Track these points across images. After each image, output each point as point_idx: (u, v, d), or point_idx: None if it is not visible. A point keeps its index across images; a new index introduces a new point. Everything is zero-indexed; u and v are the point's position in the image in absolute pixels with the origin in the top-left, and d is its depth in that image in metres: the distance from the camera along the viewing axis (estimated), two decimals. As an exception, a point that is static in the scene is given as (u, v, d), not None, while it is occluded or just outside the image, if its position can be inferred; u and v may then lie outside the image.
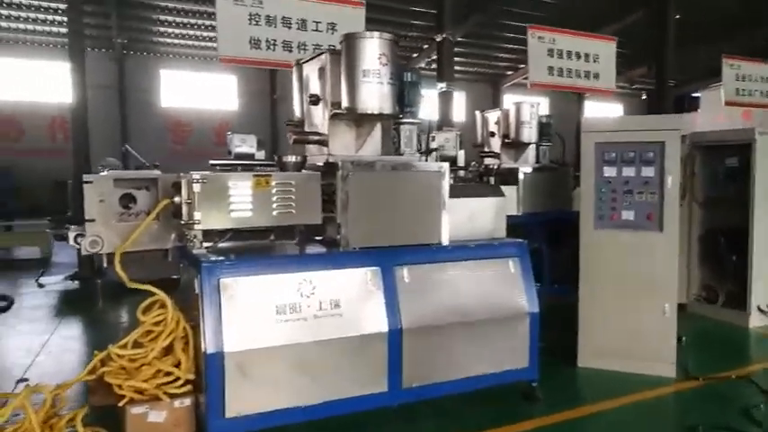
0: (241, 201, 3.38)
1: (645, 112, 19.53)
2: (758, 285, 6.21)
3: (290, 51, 6.99)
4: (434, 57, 13.02)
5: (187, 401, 3.23)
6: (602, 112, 24.11)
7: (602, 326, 4.80)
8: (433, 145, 7.63)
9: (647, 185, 4.70)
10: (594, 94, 14.76)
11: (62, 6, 13.53)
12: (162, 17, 16.51)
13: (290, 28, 8.14)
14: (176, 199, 3.38)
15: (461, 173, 7.29)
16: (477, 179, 6.89)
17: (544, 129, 7.06)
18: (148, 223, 3.52)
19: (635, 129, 4.78)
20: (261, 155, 4.03)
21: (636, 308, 4.71)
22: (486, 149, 7.29)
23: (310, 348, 3.32)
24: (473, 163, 7.27)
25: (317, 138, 3.78)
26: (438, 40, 11.37)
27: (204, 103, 19.66)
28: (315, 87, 3.89)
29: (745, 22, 16.97)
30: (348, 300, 3.45)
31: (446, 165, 3.87)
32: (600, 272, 4.79)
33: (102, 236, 3.46)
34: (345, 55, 3.59)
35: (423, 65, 19.33)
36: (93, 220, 3.43)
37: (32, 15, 15.67)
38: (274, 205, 3.47)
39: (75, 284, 8.35)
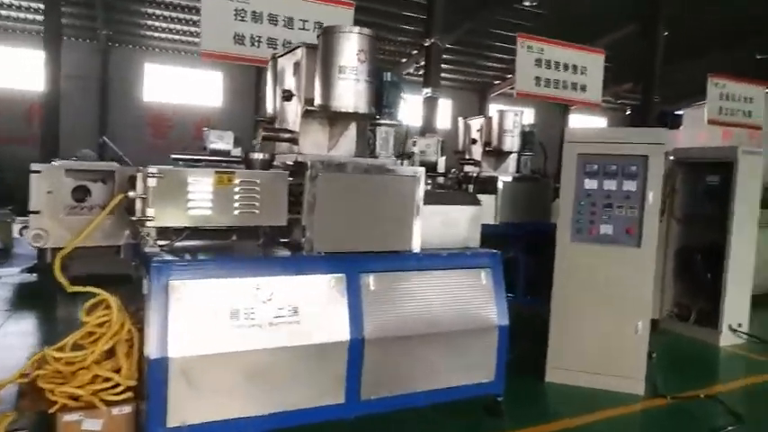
0: (200, 198, 3.19)
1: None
2: (731, 304, 6.18)
3: (275, 49, 6.83)
4: (422, 62, 12.92)
5: (127, 409, 3.02)
6: (587, 125, 24.19)
7: (572, 341, 4.68)
8: (415, 150, 7.54)
9: (628, 200, 4.60)
10: (580, 106, 14.76)
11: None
12: (149, 10, 16.20)
13: (276, 25, 7.98)
14: (131, 193, 3.18)
15: (441, 179, 7.19)
16: (456, 186, 6.77)
17: (527, 138, 6.96)
18: (101, 220, 3.33)
19: (619, 141, 4.67)
20: (238, 152, 3.86)
21: (608, 324, 4.60)
22: (466, 157, 7.17)
23: (264, 356, 3.13)
24: (453, 170, 7.16)
25: (287, 135, 3.61)
26: (426, 45, 11.26)
27: (187, 98, 19.33)
28: (289, 83, 3.72)
29: (734, 40, 17.13)
30: (308, 307, 3.27)
31: (422, 170, 3.71)
32: (573, 286, 4.68)
33: (47, 229, 3.25)
34: (322, 50, 3.42)
35: (411, 70, 19.28)
36: (37, 212, 3.22)
37: (15, 2, 15.31)
38: (236, 204, 3.29)
39: (32, 277, 8.01)
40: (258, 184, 3.32)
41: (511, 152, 6.88)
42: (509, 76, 19.71)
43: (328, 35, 3.40)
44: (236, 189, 3.27)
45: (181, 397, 2.93)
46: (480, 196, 6.48)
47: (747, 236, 6.29)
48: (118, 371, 3.07)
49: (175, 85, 19.20)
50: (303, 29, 7.16)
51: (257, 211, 3.33)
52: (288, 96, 3.57)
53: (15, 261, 8.83)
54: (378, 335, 3.44)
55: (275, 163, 3.59)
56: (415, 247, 3.70)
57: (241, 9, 7.26)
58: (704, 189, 6.62)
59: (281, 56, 3.85)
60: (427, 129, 10.71)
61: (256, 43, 7.83)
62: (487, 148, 6.95)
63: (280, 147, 3.85)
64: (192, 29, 16.79)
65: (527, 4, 14.65)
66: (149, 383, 2.90)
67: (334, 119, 3.58)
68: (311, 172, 3.30)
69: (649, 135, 4.67)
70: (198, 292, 3.03)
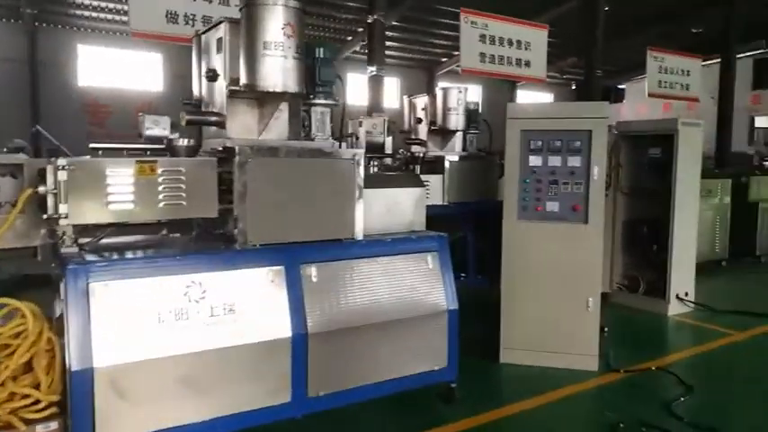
0: (120, 191, 2.94)
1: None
2: (677, 274, 6.29)
3: (212, 27, 6.45)
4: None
5: (53, 425, 2.76)
6: (534, 100, 24.44)
7: (524, 321, 4.64)
8: (360, 131, 7.34)
9: (573, 176, 4.54)
10: (526, 81, 14.83)
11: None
12: (77, -13, 15.28)
13: (211, 2, 7.60)
14: (41, 189, 2.88)
15: (388, 161, 7.02)
16: (403, 167, 6.61)
17: (472, 116, 6.84)
18: (12, 219, 3.01)
19: (562, 116, 4.60)
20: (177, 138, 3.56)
21: (559, 301, 4.57)
22: (412, 136, 7.01)
23: (200, 359, 2.92)
24: (401, 150, 6.99)
25: (214, 119, 3.35)
26: (369, 22, 10.98)
27: (126, 82, 18.41)
28: (214, 62, 3.46)
29: (675, 15, 17.49)
30: (245, 303, 3.07)
31: (361, 152, 3.53)
32: (522, 265, 4.62)
33: (-57, 231, 2.93)
34: (245, 24, 3.15)
35: (357, 48, 18.93)
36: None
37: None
38: (161, 196, 3.04)
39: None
40: (184, 173, 3.07)
41: (456, 130, 6.75)
42: (456, 53, 19.58)
43: (251, 8, 3.13)
44: (160, 179, 3.02)
45: (110, 410, 2.71)
46: (428, 176, 6.40)
47: (690, 206, 6.40)
48: (39, 386, 2.81)
49: (112, 68, 18.22)
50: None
51: (184, 203, 3.09)
52: (212, 76, 3.30)
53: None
54: (322, 328, 3.28)
55: (203, 149, 3.35)
56: (358, 233, 3.53)
57: (172, -16, 6.93)
58: (647, 162, 6.69)
59: (204, 32, 3.57)
60: (374, 108, 10.49)
61: (191, 21, 7.46)
62: (433, 127, 6.80)
63: (208, 132, 3.59)
64: (126, 7, 15.91)
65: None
66: (73, 397, 2.66)
67: (262, 99, 3.34)
68: (239, 158, 3.06)
69: (592, 109, 4.61)
70: (122, 293, 2.79)
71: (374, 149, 7.10)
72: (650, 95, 12.32)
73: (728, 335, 5.67)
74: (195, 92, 3.68)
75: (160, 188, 3.03)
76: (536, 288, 4.61)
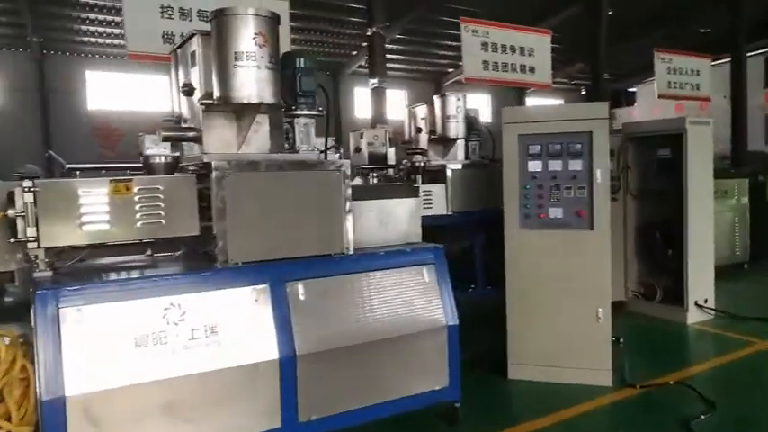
0: (93, 211, 2.82)
1: (584, 108, 19.66)
2: (695, 280, 6.00)
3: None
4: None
5: (27, 458, 2.64)
6: (544, 108, 24.24)
7: (532, 334, 4.41)
8: (362, 143, 7.23)
9: (575, 180, 4.34)
10: (531, 88, 14.66)
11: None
12: (82, 14, 15.40)
13: (207, 21, 7.56)
14: (10, 212, 2.77)
15: (390, 171, 6.89)
16: (404, 178, 6.47)
17: (472, 123, 6.69)
18: (-16, 243, 2.91)
19: (560, 119, 4.42)
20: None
21: (568, 313, 4.34)
22: (413, 146, 6.87)
23: (180, 384, 2.77)
24: (404, 161, 6.86)
25: (191, 134, 3.22)
26: (368, 34, 10.92)
27: (136, 104, 18.54)
28: (191, 76, 3.34)
29: (679, 17, 17.27)
30: (228, 325, 2.92)
31: (347, 162, 3.38)
32: (527, 276, 4.40)
33: None
34: (216, 36, 3.04)
35: (363, 63, 18.92)
36: None
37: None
38: (138, 215, 2.92)
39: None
40: (161, 191, 2.95)
41: (457, 138, 6.61)
42: (461, 63, 19.52)
43: (220, 18, 3.03)
44: (137, 198, 2.90)
45: (83, 440, 2.56)
46: (430, 186, 6.26)
47: (704, 208, 6.14)
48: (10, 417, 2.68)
49: (121, 92, 18.39)
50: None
51: (164, 222, 2.97)
52: (188, 91, 3.18)
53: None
54: (311, 348, 3.11)
55: (182, 165, 3.22)
56: (349, 247, 3.37)
57: (167, 6, 6.83)
58: (657, 163, 6.46)
59: (179, 47, 3.46)
60: (377, 120, 10.41)
61: (188, 41, 7.41)
62: (433, 136, 6.66)
63: (189, 148, 3.47)
64: (130, 33, 16.06)
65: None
66: (44, 428, 2.52)
67: (239, 112, 3.20)
68: (216, 173, 2.93)
69: (591, 110, 4.40)
70: (95, 318, 2.66)
71: (376, 161, 6.99)
72: (660, 97, 12.07)
73: (752, 343, 5.33)
74: (175, 107, 3.57)
75: (137, 207, 2.92)
76: (543, 300, 4.39)
